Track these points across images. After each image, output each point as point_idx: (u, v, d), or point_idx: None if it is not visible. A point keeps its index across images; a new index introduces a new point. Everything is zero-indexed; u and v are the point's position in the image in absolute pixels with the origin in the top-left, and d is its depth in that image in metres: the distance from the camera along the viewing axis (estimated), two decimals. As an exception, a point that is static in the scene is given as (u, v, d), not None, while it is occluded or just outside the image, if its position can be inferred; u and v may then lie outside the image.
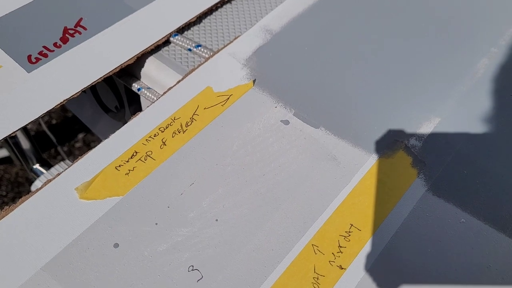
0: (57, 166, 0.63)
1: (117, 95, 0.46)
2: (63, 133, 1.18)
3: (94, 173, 0.32)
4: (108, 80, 0.46)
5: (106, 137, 0.34)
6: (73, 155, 1.10)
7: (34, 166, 0.68)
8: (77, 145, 1.13)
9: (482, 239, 0.29)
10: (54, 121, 1.31)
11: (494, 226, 0.29)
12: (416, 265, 0.28)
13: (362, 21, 0.42)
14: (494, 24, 0.41)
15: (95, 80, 0.37)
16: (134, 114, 0.35)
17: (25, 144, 0.65)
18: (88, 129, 1.11)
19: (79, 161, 0.33)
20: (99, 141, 0.37)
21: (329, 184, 0.32)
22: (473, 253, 0.28)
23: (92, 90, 0.50)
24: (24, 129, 0.67)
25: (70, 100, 0.36)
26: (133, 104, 0.45)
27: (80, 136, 1.13)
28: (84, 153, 0.33)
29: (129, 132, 0.34)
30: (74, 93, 0.36)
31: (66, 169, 0.32)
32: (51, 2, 0.41)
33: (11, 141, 0.62)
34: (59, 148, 1.04)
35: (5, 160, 1.10)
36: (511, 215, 0.30)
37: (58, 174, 0.32)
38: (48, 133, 0.93)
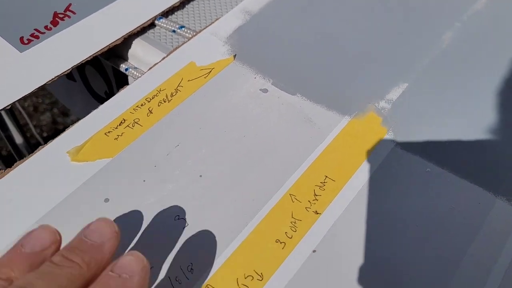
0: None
1: (106, 79, 0.48)
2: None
3: (85, 138, 0.34)
4: (97, 65, 0.48)
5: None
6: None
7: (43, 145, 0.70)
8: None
9: (446, 185, 0.31)
10: (45, 134, 1.33)
11: (457, 174, 0.32)
12: (385, 211, 0.30)
13: (335, 1, 0.45)
14: (457, 2, 0.44)
15: (84, 58, 0.39)
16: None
17: (18, 139, 0.67)
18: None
19: (70, 129, 0.35)
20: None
21: (305, 142, 0.34)
22: (438, 198, 0.31)
23: (82, 77, 0.52)
24: (17, 125, 0.69)
25: (63, 94, 0.38)
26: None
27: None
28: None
29: (117, 102, 0.37)
30: (65, 70, 0.38)
31: (58, 136, 0.34)
32: (41, -12, 0.43)
33: (4, 135, 0.64)
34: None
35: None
36: (472, 162, 0.32)
37: (51, 141, 0.34)
38: (39, 139, 0.95)
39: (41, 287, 0.20)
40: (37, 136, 1.14)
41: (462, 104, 0.36)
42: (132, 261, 0.22)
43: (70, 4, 0.42)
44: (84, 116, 0.36)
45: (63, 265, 0.21)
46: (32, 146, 0.78)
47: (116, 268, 0.22)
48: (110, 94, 0.50)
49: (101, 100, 0.52)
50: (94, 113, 0.36)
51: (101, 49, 0.40)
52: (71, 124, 0.35)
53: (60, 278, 0.21)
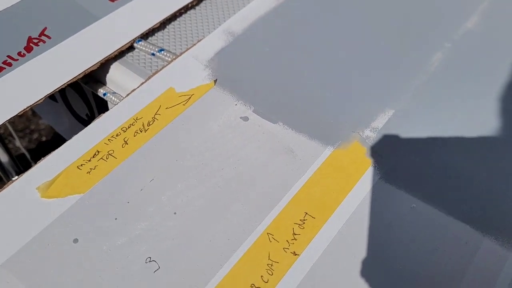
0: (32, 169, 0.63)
1: (86, 102, 0.47)
2: (43, 155, 1.18)
3: (56, 172, 0.33)
4: (77, 87, 0.47)
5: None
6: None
7: (14, 179, 0.69)
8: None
9: (431, 222, 0.30)
10: (44, 138, 1.32)
11: (442, 210, 0.30)
12: (368, 249, 0.29)
13: (319, 23, 0.43)
14: (448, 20, 0.43)
15: (58, 86, 0.38)
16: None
17: (3, 157, 0.65)
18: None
19: (41, 162, 0.33)
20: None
21: (286, 175, 0.33)
22: (422, 236, 0.29)
23: (64, 98, 0.50)
24: (2, 144, 0.68)
25: (47, 113, 0.37)
26: (103, 111, 0.46)
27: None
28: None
29: (92, 133, 0.35)
30: (38, 99, 0.37)
31: (29, 169, 0.33)
32: (15, 13, 0.42)
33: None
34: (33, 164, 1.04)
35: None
36: (459, 200, 0.31)
37: (21, 175, 0.33)
38: (26, 153, 0.94)
39: None
40: (21, 146, 1.13)
41: (451, 133, 0.35)
42: None
43: (45, 28, 0.41)
44: (69, 137, 0.35)
45: None
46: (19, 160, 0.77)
47: None
48: (91, 116, 0.48)
49: (83, 121, 0.50)
50: (67, 144, 0.35)
51: (76, 76, 0.38)
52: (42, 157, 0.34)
53: None
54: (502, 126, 0.35)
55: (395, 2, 0.45)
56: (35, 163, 0.34)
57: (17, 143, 1.08)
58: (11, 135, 1.18)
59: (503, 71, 0.39)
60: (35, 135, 1.31)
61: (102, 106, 0.46)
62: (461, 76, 0.39)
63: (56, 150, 0.34)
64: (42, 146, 1.27)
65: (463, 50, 0.41)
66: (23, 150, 1.11)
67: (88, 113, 0.48)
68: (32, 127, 1.34)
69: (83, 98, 0.47)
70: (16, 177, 0.34)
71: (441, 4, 0.45)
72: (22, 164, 1.14)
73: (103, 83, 0.42)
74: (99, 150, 0.34)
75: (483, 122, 0.35)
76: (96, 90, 0.42)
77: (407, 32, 0.42)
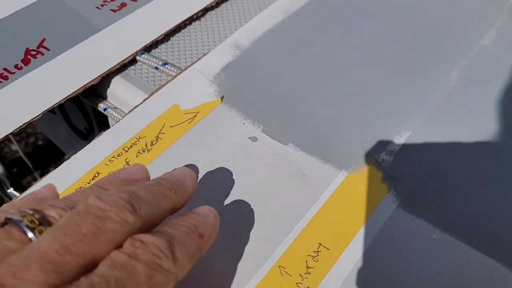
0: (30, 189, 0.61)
1: (85, 116, 0.45)
2: (40, 159, 1.16)
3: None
4: (76, 101, 0.45)
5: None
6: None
7: (8, 190, 0.67)
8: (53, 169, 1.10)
9: (454, 256, 0.28)
10: (40, 142, 1.30)
11: (466, 242, 0.28)
12: (387, 284, 0.27)
13: (331, 37, 0.41)
14: (464, 36, 0.41)
15: (57, 101, 0.36)
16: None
17: (-2, 168, 0.63)
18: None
19: (37, 183, 0.31)
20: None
21: (298, 202, 0.31)
22: (444, 270, 0.27)
23: (62, 110, 0.48)
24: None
25: (44, 124, 0.35)
26: (102, 125, 0.44)
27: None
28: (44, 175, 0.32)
29: (92, 152, 0.33)
30: (36, 115, 0.35)
31: (23, 192, 0.31)
32: (12, 23, 0.40)
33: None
34: (35, 174, 1.03)
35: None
36: (483, 230, 0.29)
37: (16, 198, 0.31)
38: (24, 158, 0.92)
39: (143, 195, 0.22)
40: (21, 153, 1.11)
41: (473, 156, 0.33)
42: (206, 208, 0.25)
43: (44, 40, 0.39)
44: (66, 150, 0.33)
45: (157, 185, 0.24)
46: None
47: (193, 211, 0.25)
48: (90, 130, 0.46)
49: (82, 135, 0.48)
50: (65, 164, 0.33)
51: (76, 91, 0.36)
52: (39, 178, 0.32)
53: (155, 192, 0.23)
54: (525, 150, 0.33)
55: (408, 16, 0.43)
56: (33, 167, 0.32)
57: (14, 147, 1.06)
58: (8, 138, 1.16)
59: (524, 91, 0.37)
60: (32, 139, 1.29)
61: (102, 121, 0.44)
62: (479, 94, 0.37)
63: (53, 171, 0.32)
64: (38, 150, 1.25)
65: (481, 67, 0.39)
66: (21, 155, 1.09)
67: (87, 127, 0.46)
68: (29, 130, 1.32)
69: (82, 112, 0.45)
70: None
71: (455, 20, 0.43)
72: (17, 166, 1.11)
73: (103, 97, 0.40)
74: (99, 172, 0.32)
75: (506, 144, 0.33)
76: (97, 105, 0.40)
77: (422, 50, 0.40)
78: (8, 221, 0.21)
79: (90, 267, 0.19)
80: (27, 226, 0.20)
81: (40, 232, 0.20)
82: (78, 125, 0.48)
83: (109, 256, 0.20)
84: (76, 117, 0.47)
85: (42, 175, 1.09)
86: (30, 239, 0.20)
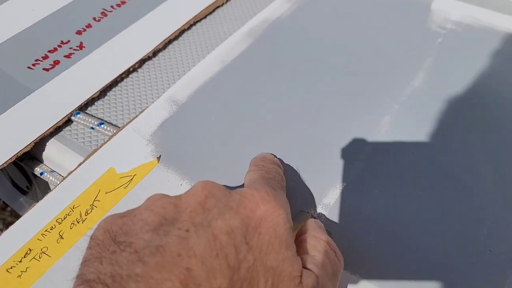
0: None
1: (25, 176, 0.44)
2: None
3: (-18, 279, 0.30)
4: (15, 162, 0.43)
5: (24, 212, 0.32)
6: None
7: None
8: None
9: (387, 313, 0.28)
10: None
11: (399, 298, 0.29)
12: None
13: (269, 85, 0.42)
14: (394, 80, 0.42)
15: (-13, 172, 0.35)
16: (43, 195, 0.33)
17: None
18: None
19: (-34, 266, 0.30)
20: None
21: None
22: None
23: (3, 170, 0.47)
24: None
25: None
26: (42, 184, 0.43)
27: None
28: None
29: (24, 227, 0.32)
30: (-35, 188, 0.34)
31: (-50, 279, 0.30)
32: None
33: None
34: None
35: None
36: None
37: None
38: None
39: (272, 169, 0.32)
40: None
41: (408, 204, 0.33)
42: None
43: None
44: (11, 202, 0.32)
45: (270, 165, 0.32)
46: None
47: None
48: (31, 189, 0.45)
49: (24, 192, 0.47)
50: (-4, 242, 0.32)
51: (7, 161, 0.36)
52: (-32, 260, 0.31)
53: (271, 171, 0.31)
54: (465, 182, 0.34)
55: (337, 66, 0.44)
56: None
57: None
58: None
59: (453, 125, 0.38)
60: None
61: (43, 182, 0.43)
62: (410, 138, 0.38)
63: (-16, 250, 0.31)
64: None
65: (413, 110, 0.40)
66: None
67: (29, 186, 0.45)
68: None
69: (22, 172, 0.44)
70: None
71: (385, 64, 0.44)
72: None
73: (40, 160, 0.39)
74: (31, 248, 0.31)
75: (441, 187, 0.34)
76: (33, 169, 0.39)
77: (353, 97, 0.41)
78: None
79: None
80: None
81: None
82: (20, 184, 0.47)
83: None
84: (18, 177, 0.46)
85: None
86: None
